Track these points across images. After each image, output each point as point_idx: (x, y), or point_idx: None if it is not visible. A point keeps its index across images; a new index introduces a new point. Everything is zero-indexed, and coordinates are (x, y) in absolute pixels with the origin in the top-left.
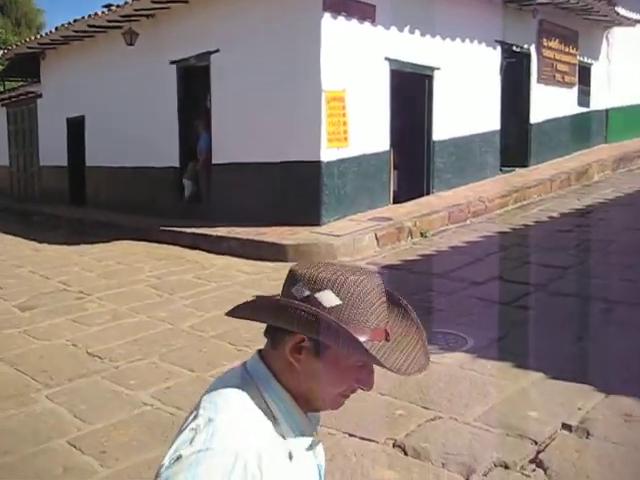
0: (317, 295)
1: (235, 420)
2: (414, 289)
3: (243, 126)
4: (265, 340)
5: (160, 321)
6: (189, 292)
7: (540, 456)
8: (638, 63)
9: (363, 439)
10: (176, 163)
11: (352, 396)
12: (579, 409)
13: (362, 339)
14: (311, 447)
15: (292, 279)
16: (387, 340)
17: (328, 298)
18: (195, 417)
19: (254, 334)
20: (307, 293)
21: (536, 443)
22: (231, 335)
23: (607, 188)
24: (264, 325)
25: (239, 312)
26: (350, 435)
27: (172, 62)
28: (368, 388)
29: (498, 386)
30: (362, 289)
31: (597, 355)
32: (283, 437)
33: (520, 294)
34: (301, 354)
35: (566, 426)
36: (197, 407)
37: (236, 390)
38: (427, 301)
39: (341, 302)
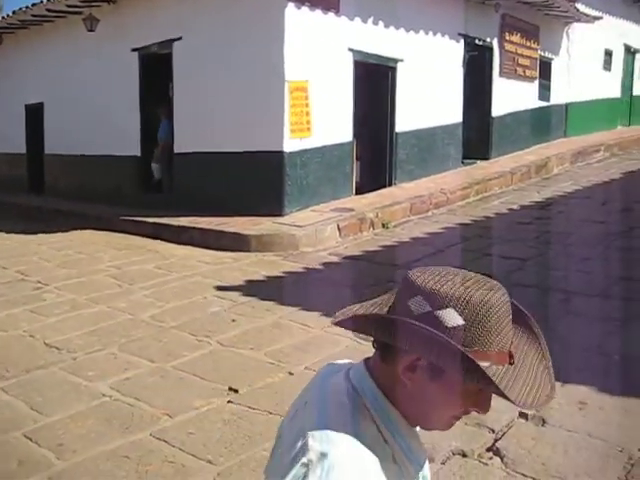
0: (438, 313)
1: (349, 454)
2: (375, 280)
3: (206, 115)
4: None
5: (120, 311)
6: (149, 282)
7: (497, 444)
8: (597, 59)
9: None
10: (138, 152)
11: None
12: None
13: (484, 365)
14: (419, 464)
15: (410, 289)
16: (511, 364)
17: (451, 317)
18: (304, 448)
19: (214, 325)
20: (428, 309)
21: (493, 432)
22: (191, 325)
23: (566, 181)
24: (227, 318)
25: (347, 324)
26: None
27: (134, 49)
28: (484, 412)
29: None
30: (488, 308)
31: (555, 345)
32: (394, 458)
33: None
34: (415, 373)
35: (523, 415)
36: (303, 435)
37: (346, 415)
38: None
39: (464, 322)
